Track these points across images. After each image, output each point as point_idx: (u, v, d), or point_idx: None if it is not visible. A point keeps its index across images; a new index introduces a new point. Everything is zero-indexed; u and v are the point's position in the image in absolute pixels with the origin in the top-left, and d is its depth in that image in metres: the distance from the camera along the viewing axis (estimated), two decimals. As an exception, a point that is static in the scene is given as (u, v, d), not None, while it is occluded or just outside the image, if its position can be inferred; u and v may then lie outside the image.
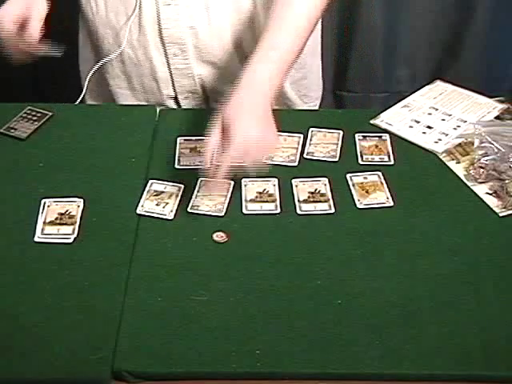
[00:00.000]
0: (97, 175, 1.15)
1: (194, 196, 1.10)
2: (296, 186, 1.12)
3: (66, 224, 1.05)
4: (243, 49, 1.26)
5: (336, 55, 2.07)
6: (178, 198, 1.10)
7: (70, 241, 1.03)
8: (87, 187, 1.12)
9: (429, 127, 1.24)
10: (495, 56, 2.04)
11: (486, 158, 1.14)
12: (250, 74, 1.06)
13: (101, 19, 1.26)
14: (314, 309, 0.94)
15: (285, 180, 1.13)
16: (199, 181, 1.12)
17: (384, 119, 1.26)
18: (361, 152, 1.19)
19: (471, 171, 1.14)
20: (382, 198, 1.10)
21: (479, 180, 1.13)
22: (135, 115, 1.29)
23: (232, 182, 1.11)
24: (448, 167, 1.17)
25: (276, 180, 1.12)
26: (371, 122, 1.26)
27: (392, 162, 1.17)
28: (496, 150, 1.14)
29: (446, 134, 1.22)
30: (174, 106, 1.36)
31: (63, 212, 1.07)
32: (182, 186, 1.12)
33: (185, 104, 1.35)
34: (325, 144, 1.21)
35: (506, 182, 1.11)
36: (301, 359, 0.88)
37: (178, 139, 1.22)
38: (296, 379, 0.89)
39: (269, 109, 1.06)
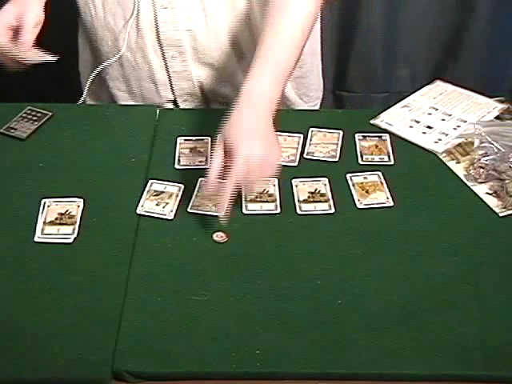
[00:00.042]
0: (97, 175, 1.15)
1: (194, 196, 1.10)
2: (296, 186, 1.12)
3: (66, 224, 1.05)
4: (241, 48, 1.26)
5: (336, 55, 2.08)
6: (178, 198, 1.10)
7: (70, 241, 1.03)
8: (87, 187, 1.12)
9: (429, 127, 1.24)
10: (495, 56, 2.04)
11: (486, 157, 1.14)
12: (249, 90, 1.05)
13: (99, 22, 1.26)
14: (313, 309, 0.94)
15: (285, 180, 1.13)
16: (199, 181, 1.12)
17: (384, 119, 1.26)
18: (361, 152, 1.19)
19: (471, 171, 1.14)
20: (382, 198, 1.10)
21: (479, 180, 1.13)
22: (135, 115, 1.29)
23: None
24: (448, 167, 1.17)
25: (276, 180, 1.12)
26: (371, 122, 1.26)
27: (392, 162, 1.17)
28: (496, 150, 1.14)
29: (446, 134, 1.22)
30: (174, 109, 1.36)
31: (63, 212, 1.07)
32: (182, 186, 1.12)
33: (184, 107, 1.34)
34: (325, 144, 1.21)
35: (506, 182, 1.11)
36: (301, 359, 0.88)
37: (178, 139, 1.22)
38: (296, 379, 0.89)
39: (270, 124, 1.05)
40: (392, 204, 1.09)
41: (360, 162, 1.18)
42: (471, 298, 0.95)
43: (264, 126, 1.04)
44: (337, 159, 1.18)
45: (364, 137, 1.22)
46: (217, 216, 1.06)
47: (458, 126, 1.24)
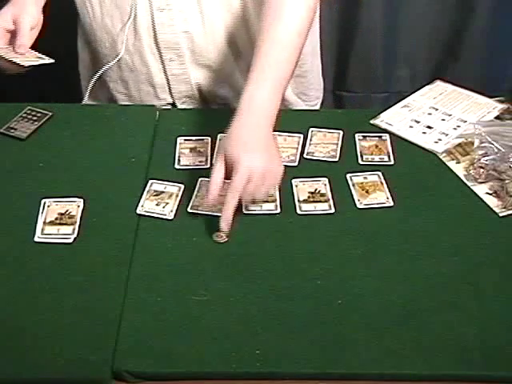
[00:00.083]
0: (97, 175, 1.15)
1: (194, 196, 1.10)
2: (296, 185, 1.12)
3: (66, 224, 1.05)
4: (237, 47, 1.26)
5: (336, 55, 2.08)
6: (178, 198, 1.10)
7: (70, 241, 1.03)
8: (87, 187, 1.12)
9: (429, 127, 1.24)
10: (495, 56, 2.04)
11: (486, 157, 1.14)
12: (248, 100, 1.04)
13: (97, 24, 1.26)
14: (313, 309, 0.94)
15: (285, 180, 1.12)
16: (199, 181, 1.12)
17: (384, 119, 1.26)
18: (361, 152, 1.19)
19: (471, 171, 1.14)
20: (382, 197, 1.10)
21: (479, 180, 1.13)
22: (135, 115, 1.29)
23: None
24: (448, 167, 1.17)
25: (276, 180, 1.12)
26: (371, 122, 1.26)
27: (392, 162, 1.17)
28: (496, 150, 1.14)
29: (446, 134, 1.22)
30: (172, 111, 1.36)
31: (63, 212, 1.07)
32: (182, 186, 1.12)
33: None
34: (325, 144, 1.21)
35: (506, 182, 1.11)
36: (301, 359, 0.88)
37: (178, 139, 1.22)
38: (296, 379, 0.89)
39: (271, 135, 1.05)
40: (392, 204, 1.09)
41: (360, 162, 1.18)
42: (471, 298, 0.95)
43: (264, 137, 1.04)
44: (337, 159, 1.18)
45: (364, 137, 1.22)
46: (217, 216, 1.06)
47: (458, 126, 1.24)
